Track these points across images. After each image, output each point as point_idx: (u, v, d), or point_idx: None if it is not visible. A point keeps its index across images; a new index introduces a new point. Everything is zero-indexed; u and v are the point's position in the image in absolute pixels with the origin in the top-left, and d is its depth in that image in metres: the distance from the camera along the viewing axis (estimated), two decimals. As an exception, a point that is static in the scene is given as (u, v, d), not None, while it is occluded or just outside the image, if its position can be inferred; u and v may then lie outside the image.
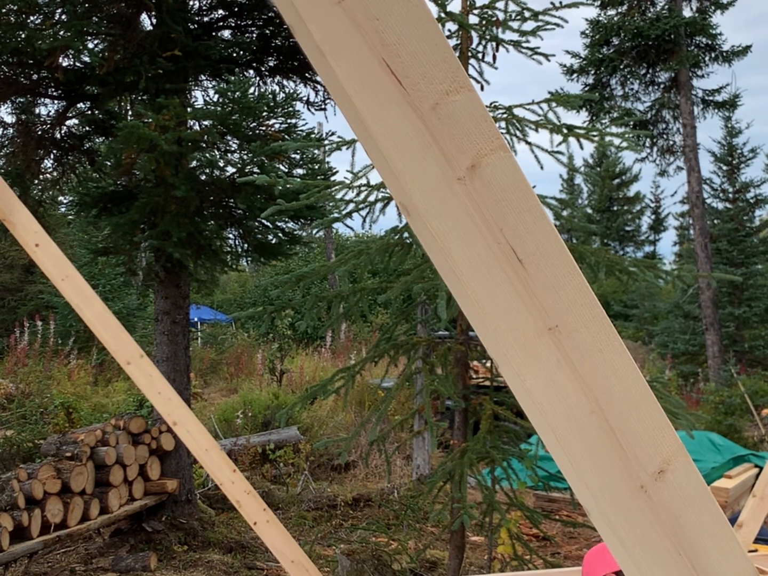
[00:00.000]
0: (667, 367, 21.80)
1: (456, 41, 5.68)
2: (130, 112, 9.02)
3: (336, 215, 6.19)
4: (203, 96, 9.36)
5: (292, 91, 9.36)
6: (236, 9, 8.94)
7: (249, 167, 8.53)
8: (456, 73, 0.98)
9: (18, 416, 10.68)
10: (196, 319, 25.63)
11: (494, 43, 5.66)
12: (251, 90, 8.79)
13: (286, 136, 8.59)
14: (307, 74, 9.18)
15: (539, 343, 1.08)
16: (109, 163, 8.74)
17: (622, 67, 20.45)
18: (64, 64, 8.28)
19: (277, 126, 8.71)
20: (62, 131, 9.10)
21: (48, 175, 9.46)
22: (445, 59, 0.97)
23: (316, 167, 9.10)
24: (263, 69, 9.35)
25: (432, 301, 5.55)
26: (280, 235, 9.28)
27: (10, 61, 7.98)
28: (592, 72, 20.72)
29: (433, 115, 0.98)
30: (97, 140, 9.49)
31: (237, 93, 8.13)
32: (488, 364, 6.76)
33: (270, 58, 9.29)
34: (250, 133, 8.41)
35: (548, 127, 5.56)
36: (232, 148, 8.80)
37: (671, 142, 21.82)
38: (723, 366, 19.91)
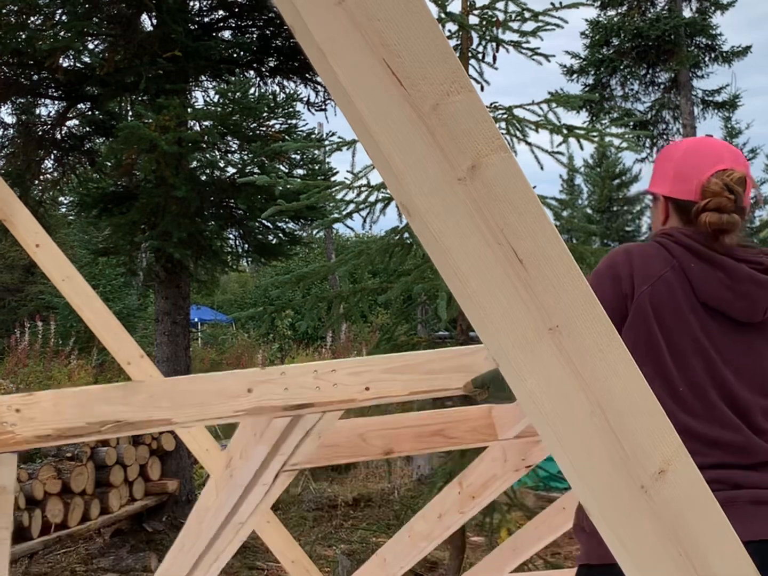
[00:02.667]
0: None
1: (456, 42, 5.68)
2: (130, 113, 9.02)
3: (336, 216, 6.18)
4: (203, 96, 9.36)
5: (292, 91, 9.36)
6: (236, 9, 8.94)
7: (249, 168, 8.53)
8: (456, 73, 0.98)
9: (18, 417, 10.67)
10: (196, 320, 25.61)
11: (494, 44, 5.66)
12: (252, 90, 8.80)
13: (287, 137, 8.59)
14: (307, 75, 9.17)
15: (540, 344, 1.08)
16: (109, 164, 8.74)
17: (622, 67, 20.42)
18: (65, 64, 8.28)
19: (277, 126, 8.71)
20: (62, 132, 9.10)
21: (48, 176, 9.46)
22: (445, 59, 0.97)
23: (317, 168, 9.10)
24: (264, 69, 9.34)
25: (432, 301, 5.55)
26: (281, 235, 9.28)
27: (10, 62, 7.98)
28: (592, 72, 20.69)
29: (434, 116, 0.99)
30: (97, 141, 9.49)
31: (237, 93, 8.14)
32: (488, 365, 6.76)
33: (270, 59, 9.28)
34: (251, 133, 8.41)
35: (548, 128, 5.56)
36: (233, 149, 8.81)
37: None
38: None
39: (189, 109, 8.24)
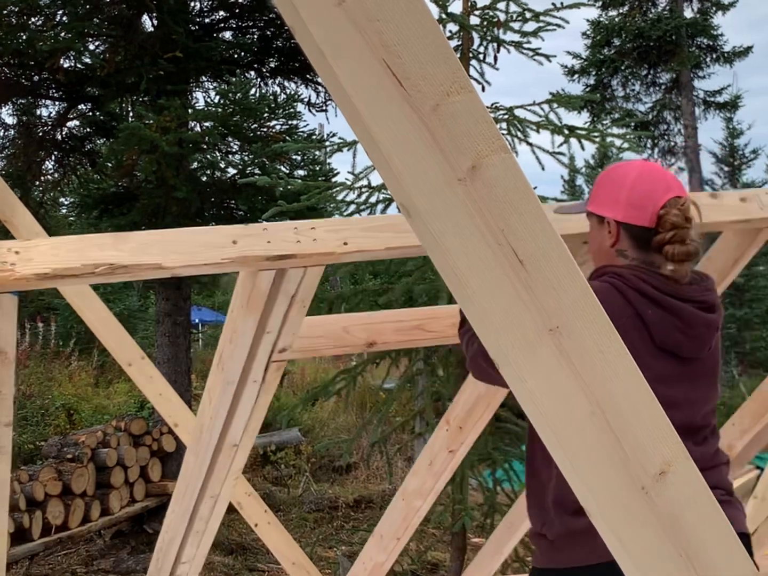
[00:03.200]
0: (668, 368, 21.67)
1: (457, 42, 5.67)
2: (131, 114, 9.02)
3: (338, 217, 6.18)
4: (204, 97, 9.35)
5: (293, 92, 9.36)
6: (237, 10, 8.94)
7: (250, 168, 8.53)
8: (456, 74, 0.98)
9: (19, 418, 10.66)
10: (197, 321, 25.55)
11: (495, 44, 5.66)
12: (252, 91, 8.80)
13: (287, 138, 8.59)
14: (308, 75, 9.17)
15: (540, 344, 1.08)
16: (110, 165, 8.74)
17: (623, 67, 20.41)
18: (65, 65, 8.28)
19: (278, 127, 8.71)
20: (63, 133, 9.10)
21: (49, 177, 9.47)
22: (445, 60, 0.97)
23: (318, 168, 9.10)
24: (264, 70, 9.34)
25: (433, 302, 5.55)
26: (282, 236, 9.26)
27: (11, 63, 7.99)
28: (594, 73, 20.68)
29: (434, 116, 0.98)
30: (98, 141, 9.49)
31: (238, 94, 8.14)
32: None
33: (271, 60, 9.28)
34: (251, 134, 8.41)
35: (549, 128, 5.55)
36: (233, 150, 8.81)
37: (673, 143, 21.76)
38: (724, 367, 19.89)
39: (190, 110, 8.25)
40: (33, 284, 2.04)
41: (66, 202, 12.21)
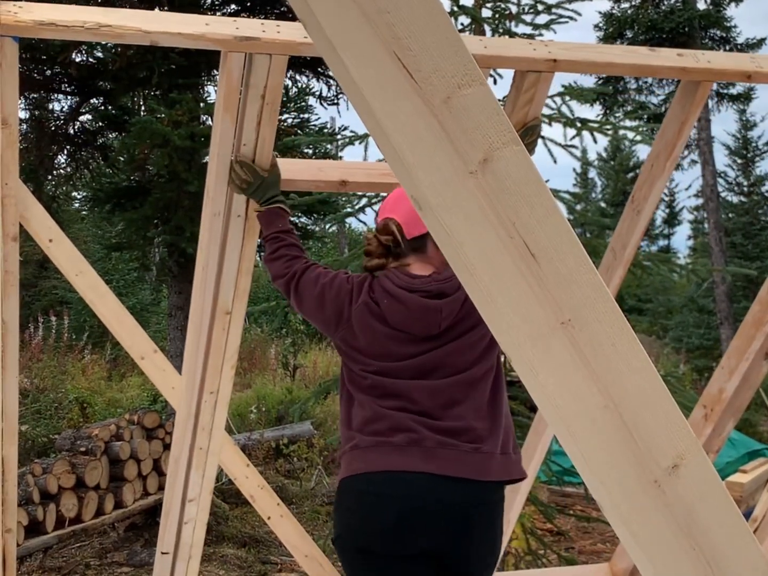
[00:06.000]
0: (681, 361, 21.66)
1: (469, 35, 5.67)
2: (143, 108, 9.04)
3: (349, 210, 6.19)
4: (216, 91, 9.35)
5: (304, 85, 9.36)
6: (249, 3, 8.94)
7: (262, 162, 8.52)
8: (468, 66, 0.98)
9: (33, 411, 10.70)
10: (209, 314, 25.51)
11: (507, 37, 5.65)
12: (264, 85, 8.79)
13: (299, 131, 8.59)
14: (319, 69, 9.16)
15: (552, 338, 1.07)
16: (122, 159, 8.75)
17: (635, 60, 20.31)
18: (78, 59, 8.30)
19: (289, 121, 8.71)
20: (75, 127, 9.12)
21: (61, 171, 9.50)
22: (456, 52, 0.97)
23: (329, 162, 9.08)
24: (276, 64, 9.33)
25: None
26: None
27: (23, 57, 8.00)
28: (606, 65, 20.58)
29: (445, 109, 0.98)
30: (110, 136, 9.51)
31: (249, 88, 8.13)
32: (501, 359, 6.77)
33: (282, 53, 9.28)
34: (263, 128, 8.41)
35: (562, 121, 5.54)
36: (245, 143, 8.80)
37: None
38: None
39: (201, 104, 8.25)
40: (32, 30, 2.33)
41: (78, 196, 12.25)
